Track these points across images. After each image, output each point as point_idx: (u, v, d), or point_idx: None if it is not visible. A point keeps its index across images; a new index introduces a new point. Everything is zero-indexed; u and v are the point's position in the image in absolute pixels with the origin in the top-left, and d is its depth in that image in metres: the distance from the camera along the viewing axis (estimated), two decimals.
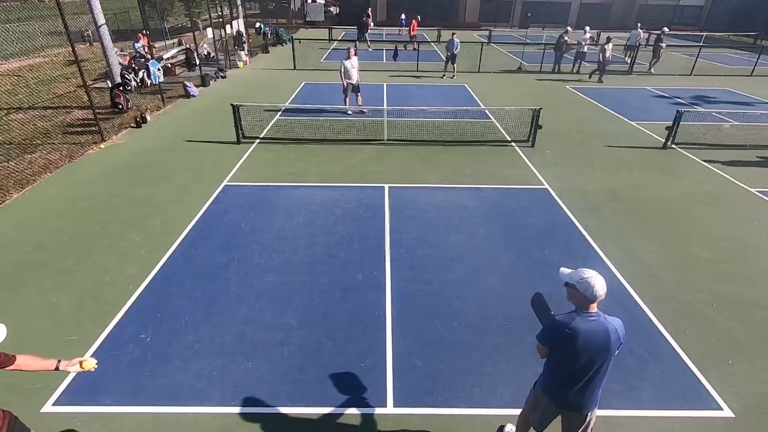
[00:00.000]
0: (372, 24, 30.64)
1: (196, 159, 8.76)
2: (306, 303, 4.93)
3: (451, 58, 16.08)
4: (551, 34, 28.07)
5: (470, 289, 5.23)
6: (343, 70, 11.07)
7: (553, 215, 6.95)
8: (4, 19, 17.37)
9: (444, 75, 16.41)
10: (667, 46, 18.71)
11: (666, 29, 19.40)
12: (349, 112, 11.69)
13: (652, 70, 18.32)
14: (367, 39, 22.02)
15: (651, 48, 19.49)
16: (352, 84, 11.23)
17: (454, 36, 15.76)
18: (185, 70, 16.39)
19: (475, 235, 6.33)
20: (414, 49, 20.29)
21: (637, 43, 18.92)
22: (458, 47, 15.84)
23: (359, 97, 11.66)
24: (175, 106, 12.42)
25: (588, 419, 2.85)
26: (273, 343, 4.39)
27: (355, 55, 11.27)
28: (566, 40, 17.97)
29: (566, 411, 2.86)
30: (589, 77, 16.91)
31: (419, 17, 23.87)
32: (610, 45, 15.98)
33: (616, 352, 2.66)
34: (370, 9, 30.94)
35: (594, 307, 2.70)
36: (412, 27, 22.91)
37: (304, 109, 11.97)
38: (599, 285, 2.64)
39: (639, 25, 20.09)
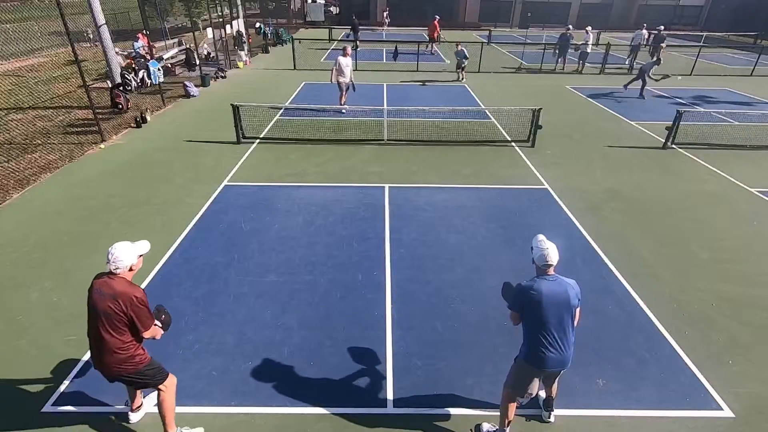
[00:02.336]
0: (387, 23, 30.71)
1: (196, 159, 8.76)
2: (306, 303, 4.93)
3: (460, 66, 16.12)
4: (551, 34, 28.08)
5: (470, 289, 5.23)
6: (336, 66, 11.09)
7: (553, 215, 6.95)
8: (4, 19, 17.34)
9: (461, 78, 16.28)
10: (667, 45, 18.66)
11: (662, 27, 19.26)
12: (344, 111, 11.69)
13: (651, 75, 15.79)
14: (359, 39, 22.03)
15: (649, 49, 19.46)
16: (345, 82, 11.26)
17: (460, 46, 15.62)
18: (185, 70, 16.38)
19: (475, 235, 6.33)
20: (432, 52, 20.43)
21: (641, 43, 18.93)
22: (467, 55, 15.90)
23: (344, 96, 11.65)
24: (175, 106, 12.42)
25: (563, 371, 3.27)
26: (273, 343, 4.39)
27: (350, 54, 11.29)
28: (571, 35, 18.02)
29: (547, 371, 3.18)
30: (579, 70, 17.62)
31: (437, 16, 23.57)
32: (591, 36, 18.01)
33: (577, 309, 3.13)
34: (386, 11, 31.16)
35: (551, 271, 3.11)
36: (435, 29, 22.53)
37: (304, 109, 11.97)
38: (548, 253, 3.07)
39: (645, 25, 20.04)
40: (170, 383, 3.30)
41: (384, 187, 7.69)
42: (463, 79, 16.15)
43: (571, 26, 19.63)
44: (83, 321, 4.58)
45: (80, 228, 6.31)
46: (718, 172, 8.65)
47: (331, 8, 35.29)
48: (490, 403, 3.82)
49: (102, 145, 9.34)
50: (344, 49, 11.18)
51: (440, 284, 5.29)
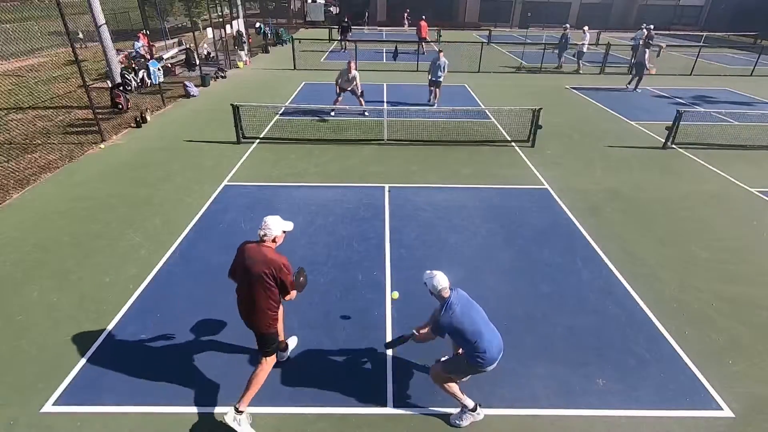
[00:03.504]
0: (408, 24, 30.69)
1: (196, 159, 8.76)
2: (306, 303, 4.92)
3: (435, 83, 12.33)
4: (551, 34, 28.09)
5: (470, 289, 5.18)
6: (339, 80, 11.02)
7: (553, 215, 6.95)
8: (4, 19, 17.34)
9: (432, 101, 12.79)
10: (667, 46, 18.67)
11: (652, 26, 19.12)
12: (332, 114, 11.63)
13: (629, 86, 15.49)
14: (347, 40, 21.95)
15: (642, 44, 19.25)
16: (347, 90, 11.17)
17: (442, 54, 12.04)
18: (185, 70, 16.38)
19: (475, 235, 6.33)
20: (421, 51, 20.24)
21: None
22: (446, 70, 12.11)
23: (338, 101, 11.46)
24: (175, 106, 12.42)
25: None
26: None
27: (356, 69, 11.15)
28: (567, 33, 18.19)
29: (492, 365, 3.35)
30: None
31: (423, 17, 23.55)
32: (588, 36, 17.77)
33: None
34: (407, 11, 31.23)
35: (447, 292, 3.32)
36: (421, 28, 22.61)
37: (304, 109, 11.96)
38: (437, 281, 3.31)
39: (644, 25, 20.04)
40: (272, 361, 3.64)
41: (384, 187, 7.69)
42: (436, 98, 12.64)
43: (569, 25, 19.65)
44: (83, 321, 4.61)
45: (80, 228, 6.31)
46: (718, 172, 8.65)
47: (331, 8, 35.27)
48: (490, 402, 3.82)
49: (102, 145, 9.34)
50: (348, 63, 11.09)
51: None
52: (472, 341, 3.24)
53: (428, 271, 3.41)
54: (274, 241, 3.42)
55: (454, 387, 3.56)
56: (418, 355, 4.29)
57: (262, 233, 3.38)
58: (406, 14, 31.56)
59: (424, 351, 4.34)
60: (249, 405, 3.54)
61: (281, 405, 3.76)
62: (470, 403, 3.59)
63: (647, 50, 15.07)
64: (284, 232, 3.48)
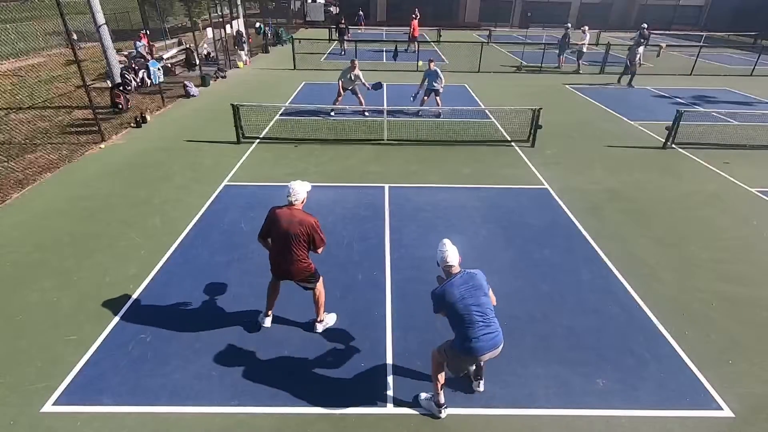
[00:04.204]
0: (418, 32, 30.65)
1: (196, 159, 8.76)
2: (306, 303, 4.91)
3: (435, 92, 11.48)
4: (551, 34, 28.10)
5: None
6: (342, 80, 11.03)
7: (553, 215, 6.95)
8: (4, 18, 17.34)
9: (419, 109, 11.66)
10: (667, 46, 18.70)
11: (646, 25, 19.10)
12: (332, 114, 11.65)
13: (621, 84, 15.91)
14: (345, 41, 21.63)
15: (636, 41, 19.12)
16: (348, 89, 11.18)
17: (432, 64, 11.38)
18: (185, 70, 16.38)
19: (475, 235, 6.33)
20: (406, 50, 20.20)
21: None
22: (443, 81, 11.43)
23: (338, 101, 11.47)
24: (175, 106, 12.42)
25: (498, 350, 3.39)
26: (273, 343, 4.39)
27: (357, 67, 11.16)
28: (568, 33, 18.32)
29: (485, 352, 3.30)
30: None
31: (416, 16, 23.49)
32: (587, 36, 18.12)
33: (492, 297, 3.41)
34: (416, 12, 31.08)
35: (455, 270, 3.36)
36: (413, 27, 22.70)
37: (304, 109, 11.96)
38: (447, 255, 3.34)
39: (647, 26, 20.08)
40: (321, 284, 4.35)
41: (384, 186, 7.69)
42: (439, 107, 11.60)
43: (569, 25, 19.66)
44: (83, 321, 4.61)
45: (80, 228, 6.31)
46: (718, 172, 8.65)
47: (331, 8, 35.27)
48: (491, 401, 3.83)
49: (102, 145, 9.34)
50: (351, 61, 11.10)
51: None
52: (461, 326, 3.25)
53: (446, 241, 3.39)
54: (301, 202, 3.97)
55: (439, 375, 3.59)
56: (418, 355, 4.29)
57: (292, 198, 3.91)
58: (414, 15, 31.46)
59: (424, 350, 4.34)
60: (253, 405, 3.53)
61: (281, 405, 3.76)
62: (441, 400, 3.65)
63: (639, 48, 15.59)
64: (307, 192, 4.03)
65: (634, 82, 15.92)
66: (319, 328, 4.50)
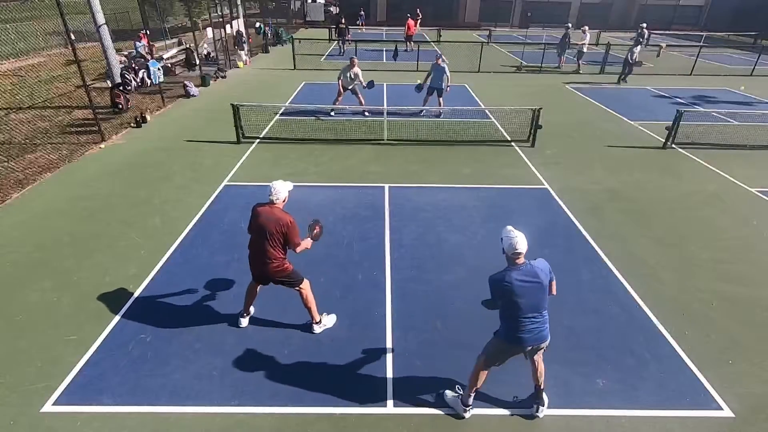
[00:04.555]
0: (415, 30, 30.56)
1: (196, 159, 8.76)
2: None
3: (438, 91, 11.19)
4: (551, 34, 28.10)
5: (470, 288, 5.22)
6: (342, 78, 11.03)
7: (553, 215, 6.95)
8: (4, 18, 17.34)
9: (422, 110, 11.49)
10: (667, 46, 18.74)
11: (644, 24, 19.12)
12: (332, 114, 11.66)
13: (634, 59, 16.12)
14: (345, 43, 21.37)
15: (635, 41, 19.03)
16: (348, 89, 11.18)
17: (441, 61, 11.01)
18: (185, 70, 16.38)
19: (475, 235, 6.33)
20: (406, 50, 20.12)
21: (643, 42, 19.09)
22: (449, 80, 11.12)
23: (338, 100, 11.46)
24: (175, 106, 12.42)
25: (542, 346, 3.41)
26: (273, 343, 4.39)
27: (358, 66, 11.16)
28: (568, 33, 18.43)
29: (526, 345, 3.31)
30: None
31: (409, 15, 23.40)
32: (587, 36, 18.21)
33: (552, 283, 3.37)
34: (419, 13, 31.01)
35: (521, 259, 3.24)
36: (408, 27, 22.67)
37: (304, 109, 11.96)
38: (516, 242, 3.21)
39: (645, 24, 20.18)
40: (306, 285, 4.30)
41: (384, 186, 7.69)
42: (440, 107, 11.42)
43: (569, 25, 19.67)
44: (83, 321, 4.61)
45: (80, 228, 6.31)
46: (718, 172, 8.65)
47: (331, 8, 35.26)
48: (491, 402, 3.82)
49: (102, 145, 9.34)
50: (351, 59, 11.10)
51: (440, 284, 5.29)
52: (511, 317, 3.22)
53: (510, 228, 3.29)
54: (283, 201, 3.99)
55: (480, 374, 3.55)
56: (418, 355, 4.29)
57: (273, 197, 3.93)
58: (409, 15, 31.42)
59: (424, 350, 4.34)
60: (253, 405, 3.54)
61: (281, 405, 3.76)
62: (469, 402, 3.64)
63: (636, 47, 15.90)
64: (289, 191, 4.04)
65: (628, 80, 16.30)
66: (317, 329, 4.50)
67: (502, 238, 3.30)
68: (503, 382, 4.02)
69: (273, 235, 3.90)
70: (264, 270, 4.06)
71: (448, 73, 11.08)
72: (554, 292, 3.40)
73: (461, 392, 3.75)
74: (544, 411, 3.70)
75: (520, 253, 3.20)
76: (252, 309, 4.71)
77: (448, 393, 3.83)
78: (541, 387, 3.68)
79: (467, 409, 3.66)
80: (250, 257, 4.14)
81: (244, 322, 4.59)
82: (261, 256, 4.00)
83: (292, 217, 3.95)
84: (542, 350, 3.49)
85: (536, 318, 3.24)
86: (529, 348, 3.33)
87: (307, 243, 4.13)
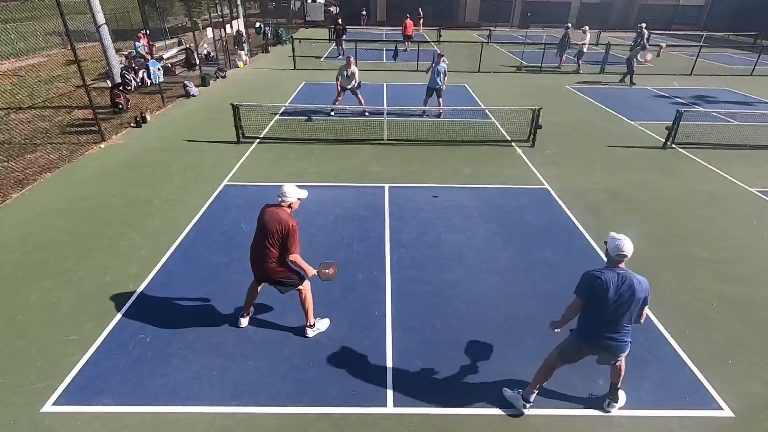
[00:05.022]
0: (414, 30, 30.46)
1: (196, 159, 8.76)
2: None
3: (437, 91, 11.26)
4: (551, 34, 28.10)
5: (470, 288, 5.23)
6: (340, 78, 11.01)
7: (553, 215, 6.95)
8: (4, 18, 17.35)
9: (423, 112, 11.53)
10: (667, 46, 18.74)
11: (644, 24, 19.08)
12: (332, 114, 11.65)
13: (638, 58, 16.37)
14: (343, 45, 20.63)
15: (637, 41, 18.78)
16: (347, 89, 11.17)
17: (442, 59, 11.13)
18: (185, 70, 16.38)
19: (475, 235, 6.33)
20: (405, 49, 20.06)
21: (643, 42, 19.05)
22: (446, 76, 11.18)
23: (338, 100, 11.46)
24: (175, 106, 12.42)
25: (619, 357, 3.43)
26: (273, 343, 4.40)
27: (355, 65, 11.15)
28: (568, 33, 18.43)
29: (601, 352, 3.37)
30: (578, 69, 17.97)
31: (408, 15, 23.35)
32: (588, 36, 18.22)
33: (645, 307, 3.28)
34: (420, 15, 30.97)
35: (623, 263, 3.24)
36: (406, 26, 22.64)
37: (305, 109, 11.95)
38: (623, 244, 3.21)
39: (645, 24, 20.11)
40: (306, 286, 4.29)
41: (384, 186, 7.69)
42: (440, 107, 11.49)
43: (569, 24, 19.67)
44: (83, 321, 4.61)
45: (80, 228, 6.31)
46: (718, 172, 8.65)
47: (331, 8, 35.26)
48: (491, 402, 3.82)
49: (102, 145, 9.34)
50: (348, 59, 11.11)
51: (440, 284, 5.29)
52: (596, 320, 3.22)
53: (617, 234, 3.28)
54: (290, 206, 4.00)
55: (546, 372, 3.64)
56: (418, 355, 4.29)
57: (280, 199, 3.97)
58: (420, 17, 31.42)
59: (424, 350, 4.34)
60: (253, 405, 3.54)
61: (281, 405, 3.76)
62: (531, 398, 3.71)
63: (637, 48, 15.90)
64: (299, 199, 4.04)
65: (626, 79, 16.32)
66: (310, 333, 4.46)
67: (606, 241, 3.32)
68: (504, 382, 4.02)
69: (273, 235, 3.90)
70: (264, 268, 4.06)
71: (444, 73, 11.12)
72: (642, 319, 3.33)
73: (520, 390, 3.80)
74: (616, 408, 3.74)
75: (625, 256, 3.21)
76: (252, 309, 4.69)
77: (507, 390, 3.86)
78: (618, 385, 3.70)
79: (527, 405, 3.71)
80: (251, 256, 4.15)
81: (244, 322, 4.59)
82: (261, 254, 4.01)
83: (296, 222, 3.93)
84: (619, 360, 3.50)
85: (619, 328, 3.23)
86: (605, 354, 3.38)
87: (308, 269, 4.10)
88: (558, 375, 4.08)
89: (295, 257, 4.00)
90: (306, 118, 11.29)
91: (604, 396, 3.83)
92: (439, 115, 11.72)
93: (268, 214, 3.97)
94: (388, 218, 6.69)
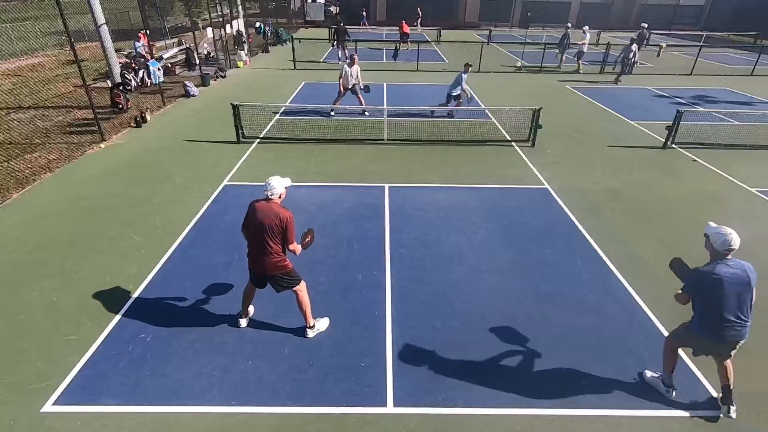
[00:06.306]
0: (420, 27, 30.38)
1: (196, 159, 8.76)
2: None
3: (454, 97, 11.13)
4: (551, 34, 28.09)
5: (470, 288, 5.23)
6: (342, 75, 11.03)
7: (553, 215, 6.95)
8: (4, 18, 17.34)
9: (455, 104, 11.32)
10: (667, 45, 18.73)
11: (646, 25, 19.06)
12: (332, 113, 11.65)
13: (620, 81, 16.33)
14: (345, 51, 19.45)
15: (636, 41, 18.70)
16: (348, 89, 11.17)
17: (467, 68, 10.99)
18: (185, 70, 16.38)
19: (475, 235, 6.33)
20: (397, 48, 19.98)
21: (644, 42, 19.12)
22: (462, 85, 10.90)
23: (338, 101, 11.46)
24: (175, 106, 12.42)
25: (739, 344, 3.48)
26: (273, 343, 4.40)
27: (357, 63, 11.15)
28: (568, 33, 18.48)
29: (722, 344, 3.41)
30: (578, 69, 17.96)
31: (408, 16, 23.32)
32: (588, 36, 18.17)
33: (754, 290, 3.29)
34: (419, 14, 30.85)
35: (729, 257, 3.23)
36: (401, 26, 22.62)
37: (304, 109, 11.95)
38: (731, 239, 3.19)
39: (647, 26, 20.20)
40: (302, 287, 4.31)
41: (384, 186, 7.69)
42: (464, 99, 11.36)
43: (570, 24, 19.67)
44: (83, 321, 4.61)
45: (80, 228, 6.31)
46: (718, 172, 8.65)
47: (331, 8, 35.25)
48: (491, 402, 3.83)
49: (102, 145, 9.34)
50: (352, 57, 11.10)
51: (440, 284, 5.29)
52: (710, 310, 3.26)
53: (724, 227, 3.27)
54: (279, 197, 4.01)
55: (671, 360, 3.76)
56: (418, 354, 4.29)
57: (269, 193, 3.95)
58: (419, 17, 31.39)
59: (424, 350, 4.34)
60: (253, 405, 3.54)
61: (281, 405, 3.76)
62: (670, 381, 3.83)
63: (632, 46, 15.79)
64: (286, 188, 4.07)
65: (621, 78, 16.38)
66: (310, 334, 4.46)
67: (707, 235, 3.32)
68: (504, 381, 4.02)
69: (273, 230, 3.90)
70: (264, 265, 4.03)
71: (461, 83, 10.85)
72: (753, 301, 3.36)
73: (660, 373, 3.90)
74: (734, 411, 3.71)
75: (733, 250, 3.21)
76: (251, 309, 4.71)
77: (647, 372, 3.99)
78: (731, 387, 3.69)
79: (669, 389, 3.82)
80: (249, 254, 4.13)
81: (243, 322, 4.60)
82: (261, 250, 3.99)
83: (291, 212, 3.97)
84: (736, 349, 3.53)
85: (739, 317, 3.28)
86: (728, 345, 3.40)
87: (297, 248, 4.11)
88: (558, 375, 4.09)
89: (295, 246, 4.04)
90: (363, 87, 11.27)
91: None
92: (451, 115, 11.65)
93: (261, 211, 3.94)
94: (388, 218, 6.69)
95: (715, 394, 3.94)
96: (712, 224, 3.37)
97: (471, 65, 11.32)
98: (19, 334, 4.44)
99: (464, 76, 10.87)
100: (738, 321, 3.29)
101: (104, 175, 7.98)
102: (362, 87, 11.26)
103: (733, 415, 3.71)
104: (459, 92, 10.96)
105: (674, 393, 3.84)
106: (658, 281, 5.43)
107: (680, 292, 3.46)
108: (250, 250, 4.12)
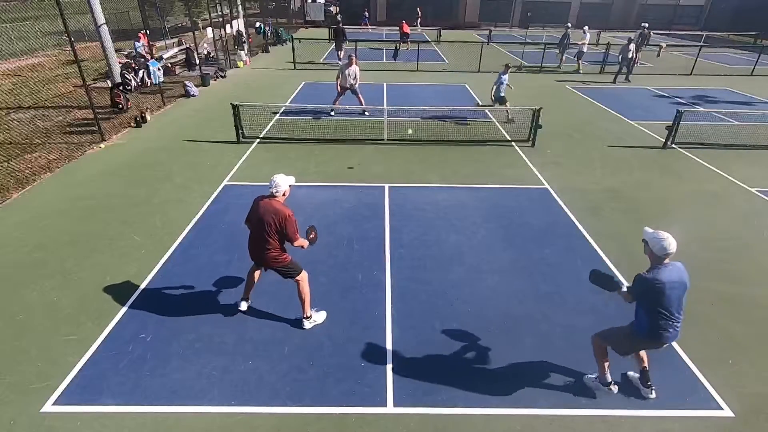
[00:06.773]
0: (420, 27, 30.39)
1: (196, 159, 8.76)
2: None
3: (500, 99, 11.13)
4: (551, 34, 28.09)
5: (470, 288, 5.23)
6: (340, 77, 11.01)
7: (553, 215, 6.95)
8: (4, 18, 17.34)
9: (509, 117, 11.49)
10: (667, 45, 18.72)
11: (646, 25, 19.05)
12: (332, 113, 11.65)
13: (620, 81, 16.32)
14: (344, 43, 19.29)
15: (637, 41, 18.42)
16: (347, 88, 11.15)
17: (507, 70, 11.02)
18: (185, 70, 16.38)
19: (475, 235, 6.33)
20: (397, 48, 20.00)
21: (644, 42, 19.12)
22: (504, 85, 11.01)
23: (338, 101, 11.46)
24: (175, 106, 12.42)
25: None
26: (273, 343, 4.40)
27: (356, 63, 11.14)
28: (568, 33, 18.50)
29: (658, 344, 3.47)
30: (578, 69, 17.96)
31: (404, 21, 23.27)
32: (588, 36, 18.14)
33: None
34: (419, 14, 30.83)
35: (668, 259, 3.34)
36: (401, 26, 22.62)
37: (304, 109, 11.95)
38: (668, 244, 3.33)
39: (647, 25, 20.20)
40: (303, 277, 4.40)
41: (384, 186, 7.69)
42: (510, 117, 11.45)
43: (570, 24, 19.68)
44: (83, 321, 4.61)
45: (80, 228, 6.31)
46: (718, 172, 8.65)
47: (331, 8, 35.25)
48: (491, 401, 3.83)
49: (102, 145, 9.34)
50: (350, 57, 11.10)
51: (440, 284, 5.29)
52: (656, 315, 3.30)
53: (660, 232, 3.40)
54: (283, 195, 4.10)
55: (603, 354, 3.77)
56: (418, 355, 4.29)
57: (273, 190, 4.05)
58: (418, 17, 31.37)
59: (424, 350, 4.34)
60: (253, 405, 3.53)
61: (281, 405, 3.76)
62: (608, 378, 3.85)
63: (630, 45, 15.73)
64: (290, 186, 4.14)
65: (620, 78, 16.38)
66: (307, 324, 4.56)
67: (645, 240, 3.43)
68: (504, 381, 4.02)
69: (270, 226, 4.01)
70: (262, 256, 4.18)
71: (504, 83, 10.95)
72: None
73: (597, 374, 3.90)
74: (654, 392, 3.84)
75: (671, 254, 3.33)
76: (250, 299, 4.75)
77: (587, 376, 4.02)
78: (648, 368, 3.84)
79: (609, 386, 3.84)
80: (249, 246, 4.27)
81: (244, 306, 4.67)
82: (260, 245, 4.12)
83: (291, 211, 4.05)
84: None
85: (678, 318, 3.34)
86: (661, 345, 3.46)
87: (304, 242, 4.24)
88: (558, 375, 4.09)
89: (301, 241, 4.17)
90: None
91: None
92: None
93: (262, 207, 4.05)
94: (388, 218, 6.69)
95: (716, 394, 3.94)
96: (649, 229, 3.46)
97: (509, 65, 11.32)
98: (19, 334, 4.44)
99: (504, 77, 10.94)
100: (678, 322, 3.35)
101: (104, 175, 7.98)
102: (356, 86, 11.10)
103: (653, 395, 3.83)
104: (504, 93, 11.05)
105: (616, 388, 3.87)
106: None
107: (625, 291, 3.55)
108: (250, 243, 4.26)
